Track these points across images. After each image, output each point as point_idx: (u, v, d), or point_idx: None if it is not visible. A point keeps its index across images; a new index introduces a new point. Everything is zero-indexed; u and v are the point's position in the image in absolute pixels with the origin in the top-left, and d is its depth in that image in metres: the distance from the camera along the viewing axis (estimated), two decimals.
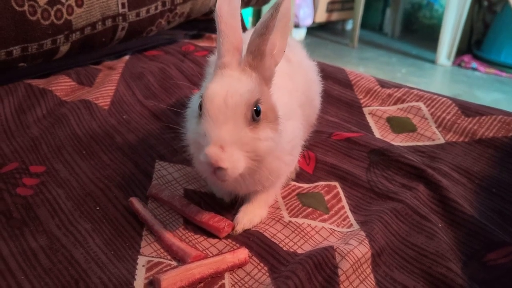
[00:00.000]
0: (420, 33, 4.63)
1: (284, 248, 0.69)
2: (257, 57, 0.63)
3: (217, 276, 0.63)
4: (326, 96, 1.14)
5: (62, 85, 1.15)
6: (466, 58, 3.77)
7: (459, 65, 3.74)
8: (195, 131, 0.63)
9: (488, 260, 0.71)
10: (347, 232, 0.74)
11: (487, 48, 3.73)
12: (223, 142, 0.58)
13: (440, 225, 0.76)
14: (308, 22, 4.22)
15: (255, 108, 0.61)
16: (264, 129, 0.62)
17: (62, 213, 0.73)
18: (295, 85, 0.80)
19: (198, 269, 0.62)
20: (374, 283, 0.64)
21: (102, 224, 0.72)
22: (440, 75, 3.60)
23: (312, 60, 0.97)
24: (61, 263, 0.63)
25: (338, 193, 0.83)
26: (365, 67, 3.57)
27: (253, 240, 0.70)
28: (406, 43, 4.34)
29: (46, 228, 0.70)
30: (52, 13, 1.05)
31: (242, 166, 0.60)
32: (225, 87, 0.61)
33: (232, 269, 0.64)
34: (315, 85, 0.92)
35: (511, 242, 0.72)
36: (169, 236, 0.69)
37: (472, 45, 3.96)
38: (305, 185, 0.85)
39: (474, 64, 3.68)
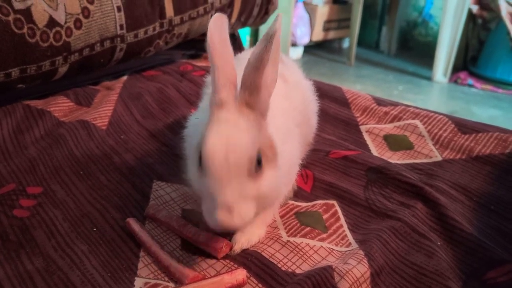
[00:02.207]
0: (416, 50, 4.68)
1: (283, 268, 0.68)
2: (254, 92, 0.61)
3: None
4: (323, 115, 1.14)
5: (60, 106, 1.15)
6: (462, 75, 3.80)
7: (456, 81, 3.77)
8: (198, 183, 0.63)
9: (488, 278, 0.70)
10: (346, 251, 0.73)
11: (482, 64, 3.77)
12: (230, 203, 0.58)
13: (439, 243, 0.75)
14: (305, 40, 4.26)
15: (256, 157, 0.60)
16: (265, 173, 0.62)
17: (59, 234, 0.73)
18: (292, 105, 0.80)
19: None
20: None
21: (99, 246, 0.71)
22: (437, 92, 3.63)
23: (310, 78, 0.98)
24: (57, 285, 0.63)
25: (336, 211, 0.83)
26: (362, 85, 3.60)
27: (251, 260, 0.69)
28: (402, 61, 4.38)
29: (42, 250, 0.69)
30: (51, 35, 1.06)
31: (251, 215, 0.61)
32: (224, 139, 0.58)
33: None
34: (312, 105, 0.93)
35: (510, 260, 0.72)
36: (166, 257, 0.68)
37: (468, 62, 4.00)
38: (303, 204, 0.85)
39: (470, 80, 3.71)
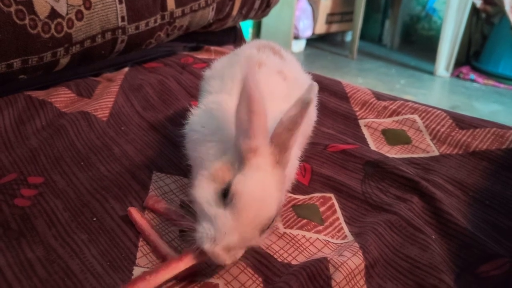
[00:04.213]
0: (419, 44, 4.67)
1: (279, 259, 0.70)
2: (282, 151, 0.62)
3: (211, 285, 0.64)
4: (323, 108, 1.15)
5: (61, 97, 1.16)
6: (465, 69, 3.80)
7: (458, 76, 3.77)
8: (211, 206, 0.62)
9: (481, 272, 0.71)
10: (342, 243, 0.75)
11: (485, 59, 3.76)
12: (233, 246, 0.59)
13: (433, 236, 0.76)
14: (308, 33, 4.26)
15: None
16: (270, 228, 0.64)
17: (59, 224, 0.74)
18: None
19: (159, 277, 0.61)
20: None
21: (99, 235, 0.72)
22: (439, 86, 3.63)
23: (312, 71, 0.98)
24: (57, 273, 0.64)
25: (333, 204, 0.84)
26: (364, 78, 3.60)
27: (248, 251, 0.70)
28: (405, 55, 4.38)
29: (43, 238, 0.70)
30: (53, 26, 1.06)
31: (238, 257, 0.62)
32: (261, 191, 0.59)
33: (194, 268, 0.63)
34: None
35: (504, 254, 0.73)
36: (164, 247, 0.69)
37: (471, 57, 4.00)
38: (301, 197, 0.86)
39: (473, 75, 3.71)
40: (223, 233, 0.59)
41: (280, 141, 0.62)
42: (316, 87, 0.63)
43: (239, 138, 0.63)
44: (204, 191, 0.64)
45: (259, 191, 0.60)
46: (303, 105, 0.60)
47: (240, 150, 0.62)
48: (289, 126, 0.61)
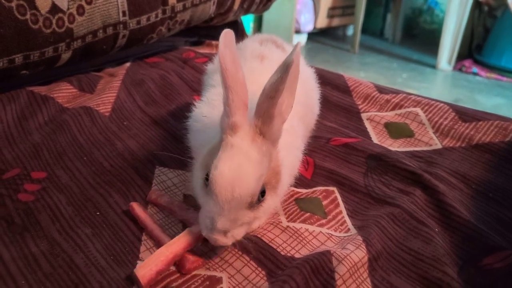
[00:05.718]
0: (421, 38, 4.65)
1: (282, 253, 0.70)
2: (267, 121, 0.61)
3: (214, 279, 0.64)
4: (325, 102, 1.15)
5: (63, 92, 1.16)
6: (467, 62, 3.78)
7: (460, 69, 3.75)
8: (201, 195, 0.65)
9: (484, 264, 0.71)
10: (345, 236, 0.75)
11: (487, 52, 3.74)
12: (226, 229, 0.61)
13: (436, 229, 0.76)
14: (309, 27, 4.24)
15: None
16: (265, 203, 0.64)
17: (63, 218, 0.74)
18: (295, 100, 0.80)
19: (170, 250, 0.64)
20: (371, 287, 0.65)
21: (102, 229, 0.73)
22: (441, 80, 3.62)
23: (313, 65, 0.98)
24: (62, 267, 0.64)
25: (336, 198, 0.84)
26: (366, 72, 3.59)
27: (251, 245, 0.70)
28: (407, 48, 4.36)
29: (47, 233, 0.71)
30: (54, 21, 1.06)
31: (243, 235, 0.64)
32: (234, 171, 0.59)
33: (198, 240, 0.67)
34: (314, 93, 0.93)
35: (507, 247, 0.73)
36: (167, 241, 0.69)
37: (473, 50, 3.98)
38: (303, 190, 0.86)
39: (475, 68, 3.69)
40: (211, 219, 0.61)
41: (262, 111, 0.61)
42: (299, 45, 0.60)
43: (221, 119, 0.64)
44: (195, 180, 0.67)
45: (231, 172, 0.59)
46: (284, 67, 0.58)
47: (222, 129, 0.63)
48: (271, 93, 0.59)
